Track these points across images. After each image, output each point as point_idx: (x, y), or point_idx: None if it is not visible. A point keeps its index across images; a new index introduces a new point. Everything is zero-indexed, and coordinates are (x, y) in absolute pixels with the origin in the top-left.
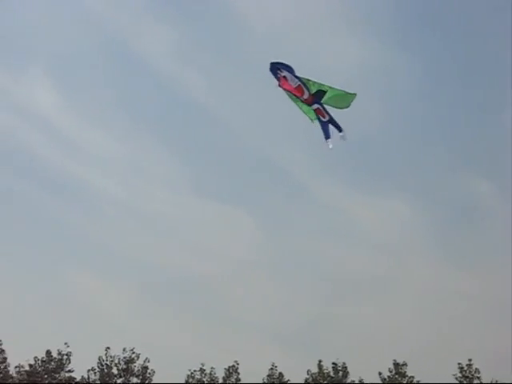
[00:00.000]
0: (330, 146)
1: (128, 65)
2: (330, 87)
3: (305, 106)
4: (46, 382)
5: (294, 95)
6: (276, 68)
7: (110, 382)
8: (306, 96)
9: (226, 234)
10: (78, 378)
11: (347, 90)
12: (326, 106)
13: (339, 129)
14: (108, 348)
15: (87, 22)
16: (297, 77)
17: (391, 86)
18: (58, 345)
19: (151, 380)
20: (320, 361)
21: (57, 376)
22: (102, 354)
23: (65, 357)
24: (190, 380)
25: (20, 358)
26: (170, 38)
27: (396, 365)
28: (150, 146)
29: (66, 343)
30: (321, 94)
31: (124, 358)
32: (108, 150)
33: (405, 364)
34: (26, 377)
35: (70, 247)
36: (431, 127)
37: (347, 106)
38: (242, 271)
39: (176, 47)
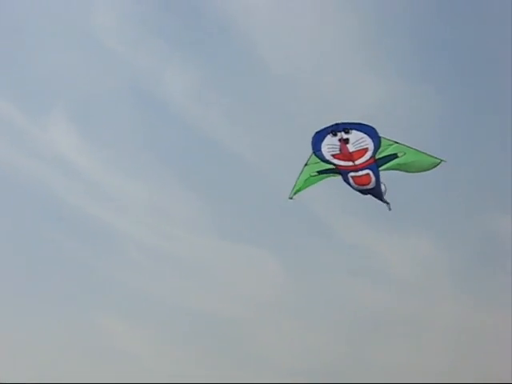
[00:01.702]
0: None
1: (149, 107)
2: (416, 151)
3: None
4: None
5: (335, 166)
6: (332, 130)
7: None
8: (360, 161)
9: (250, 275)
10: None
11: (434, 155)
12: (382, 171)
13: (381, 199)
14: None
15: (107, 65)
16: (377, 137)
17: (413, 120)
18: None
19: None
20: None
21: None
22: None
23: None
24: None
25: None
26: (190, 80)
27: None
28: (173, 188)
29: None
30: (390, 157)
31: None
32: (131, 194)
33: None
34: None
35: (96, 291)
36: (453, 163)
37: (422, 171)
38: (266, 313)
39: (197, 89)
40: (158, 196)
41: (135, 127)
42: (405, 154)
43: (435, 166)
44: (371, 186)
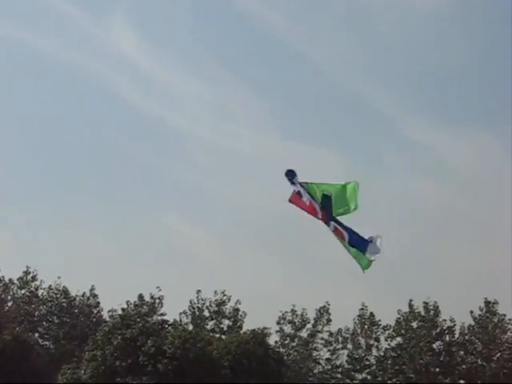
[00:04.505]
0: (372, 258)
1: (212, 6)
2: (328, 184)
3: (353, 250)
4: (140, 325)
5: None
6: (292, 177)
7: (202, 324)
8: (319, 214)
9: (315, 175)
10: (170, 321)
11: (344, 182)
12: (338, 218)
13: (365, 246)
14: (199, 291)
15: None
16: (300, 185)
17: (477, 19)
18: (150, 289)
19: (243, 322)
20: (411, 300)
21: (149, 319)
22: (193, 297)
23: (157, 300)
24: (282, 321)
25: (113, 303)
26: None
27: (487, 303)
28: (235, 87)
29: (157, 287)
30: (327, 201)
31: (215, 300)
32: (195, 93)
33: (496, 302)
34: (119, 320)
35: (160, 190)
36: (504, 61)
37: (352, 209)
38: None
39: None
40: (221, 96)
41: (196, 27)
42: (329, 191)
43: (355, 192)
44: (347, 239)
